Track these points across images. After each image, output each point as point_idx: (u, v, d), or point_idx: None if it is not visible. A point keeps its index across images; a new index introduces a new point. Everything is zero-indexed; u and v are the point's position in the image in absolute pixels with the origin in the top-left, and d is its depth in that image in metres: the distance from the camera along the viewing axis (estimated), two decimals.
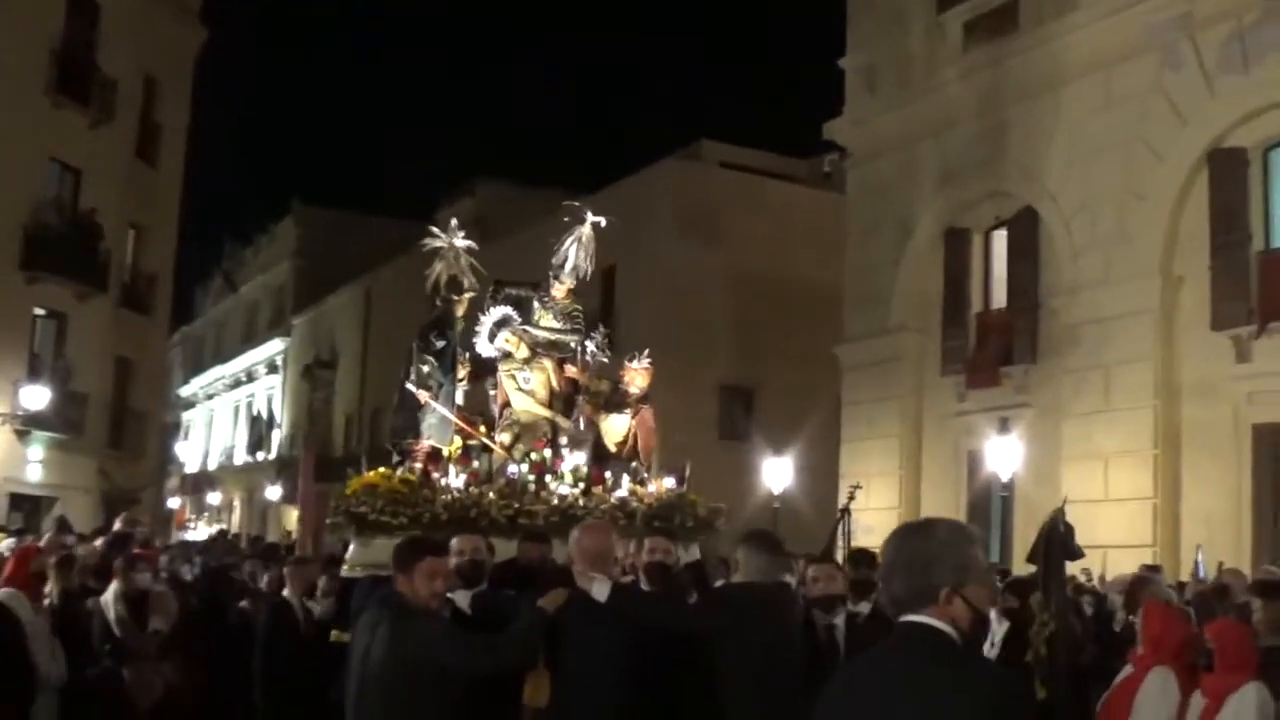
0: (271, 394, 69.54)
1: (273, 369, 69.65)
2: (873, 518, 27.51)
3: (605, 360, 15.08)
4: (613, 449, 14.45)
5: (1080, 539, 19.33)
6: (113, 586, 12.58)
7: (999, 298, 27.74)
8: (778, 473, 29.80)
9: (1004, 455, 24.76)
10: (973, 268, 28.28)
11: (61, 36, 35.28)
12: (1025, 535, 19.11)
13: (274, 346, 68.99)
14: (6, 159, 32.76)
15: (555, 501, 13.35)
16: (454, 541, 9.04)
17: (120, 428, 39.21)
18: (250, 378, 73.01)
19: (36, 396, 33.08)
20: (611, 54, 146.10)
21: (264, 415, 69.30)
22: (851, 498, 16.80)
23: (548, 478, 13.68)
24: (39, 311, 35.66)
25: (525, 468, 13.72)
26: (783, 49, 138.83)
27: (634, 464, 14.34)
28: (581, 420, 14.76)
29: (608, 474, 14.06)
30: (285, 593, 12.87)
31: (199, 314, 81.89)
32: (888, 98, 30.22)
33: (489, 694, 7.90)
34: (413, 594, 7.55)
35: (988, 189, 27.63)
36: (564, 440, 14.34)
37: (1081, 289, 24.75)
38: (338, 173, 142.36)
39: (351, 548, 13.27)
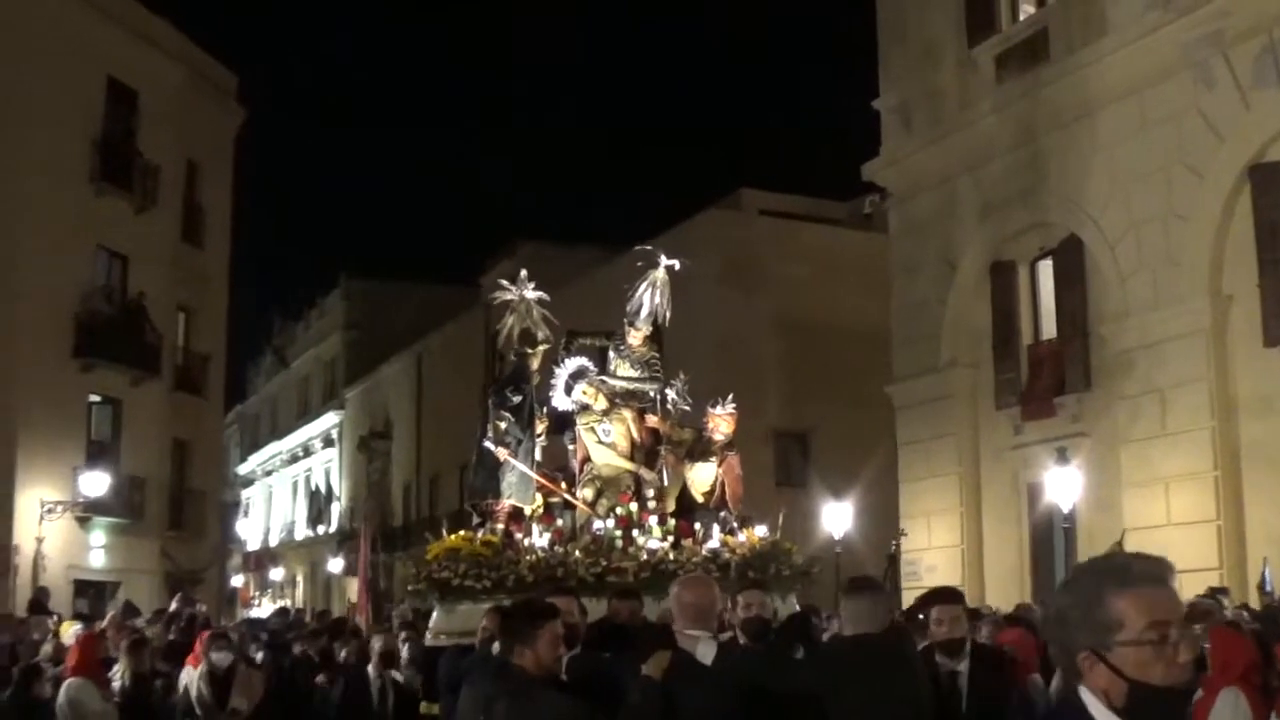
0: (329, 467, 69.76)
1: (329, 442, 69.89)
2: (935, 556, 27.42)
3: (687, 408, 14.76)
4: (700, 499, 14.17)
5: None
6: (199, 666, 12.55)
7: (1049, 328, 27.56)
8: (837, 517, 29.69)
9: (1064, 486, 24.58)
10: (1020, 299, 28.13)
11: (102, 124, 35.82)
12: None
13: (329, 420, 69.26)
14: (54, 248, 33.21)
15: (644, 557, 13.05)
16: None
17: (180, 509, 39.51)
18: (307, 452, 73.29)
19: (96, 483, 33.30)
20: (646, 107, 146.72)
21: (322, 489, 69.51)
22: (896, 544, 16.65)
23: (635, 532, 13.40)
24: (94, 398, 36.08)
25: (611, 523, 13.45)
26: (817, 93, 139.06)
27: (723, 513, 14.02)
28: (666, 471, 14.41)
29: (697, 525, 13.76)
30: (369, 667, 12.73)
31: (252, 391, 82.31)
32: (924, 135, 30.18)
33: None
34: (536, 665, 6.99)
35: (1030, 220, 27.51)
36: (649, 493, 14.03)
37: (1131, 314, 24.58)
38: (381, 242, 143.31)
39: (435, 615, 13.02)
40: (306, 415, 72.87)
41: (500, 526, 13.32)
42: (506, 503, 13.53)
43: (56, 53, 33.94)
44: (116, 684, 12.56)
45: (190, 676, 12.61)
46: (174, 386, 39.14)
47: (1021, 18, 28.07)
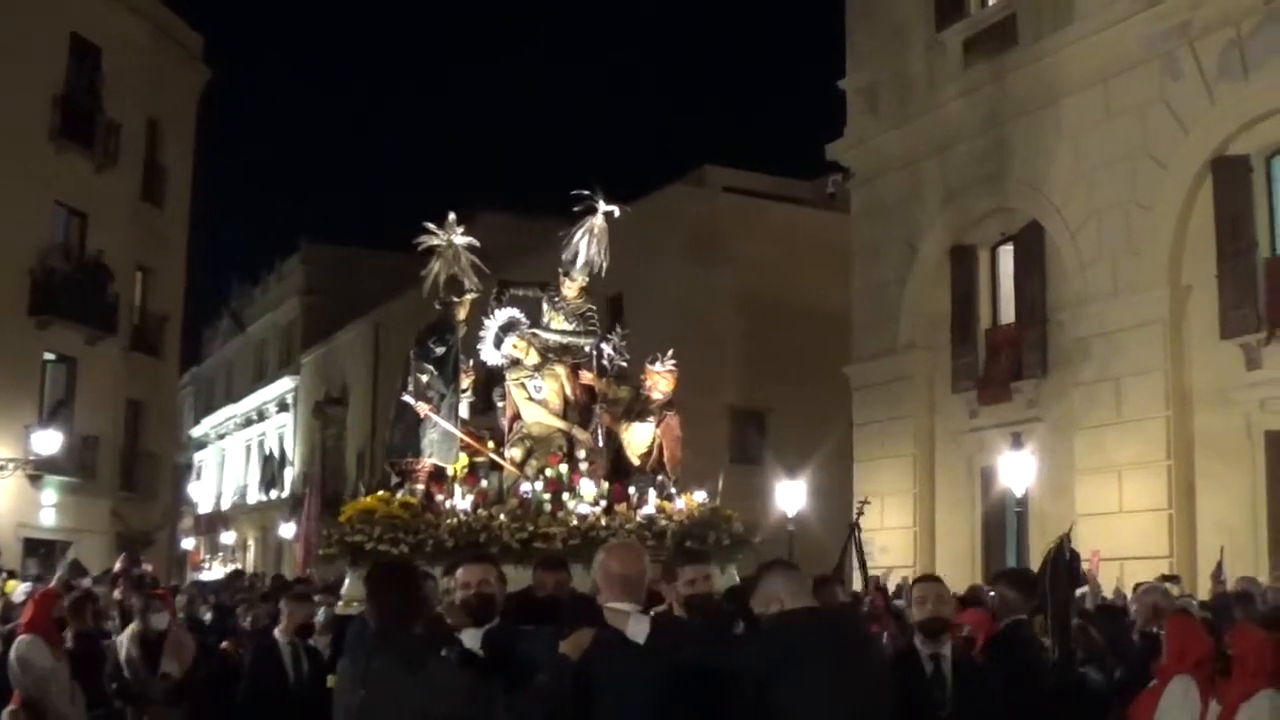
0: (283, 432, 69.47)
1: (283, 407, 69.58)
2: (887, 537, 27.52)
3: (624, 364, 14.03)
4: (635, 461, 13.44)
5: (1094, 552, 19.50)
6: (130, 627, 12.35)
7: (1007, 313, 27.67)
8: (791, 495, 29.73)
9: (1017, 470, 24.70)
10: (980, 284, 28.25)
11: (64, 81, 35.45)
12: (1040, 550, 19.05)
13: (284, 385, 68.92)
14: (12, 204, 32.86)
15: (574, 522, 12.23)
16: (459, 572, 7.85)
17: (132, 470, 39.24)
18: (261, 416, 72.96)
19: (48, 441, 33.05)
20: (611, 82, 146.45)
21: (276, 454, 69.23)
22: (860, 512, 16.30)
23: (565, 496, 12.58)
24: (49, 356, 35.73)
25: (540, 486, 12.65)
26: (783, 71, 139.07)
27: (659, 478, 13.29)
28: (600, 431, 13.64)
29: (631, 489, 13.00)
30: (276, 631, 11.46)
31: (208, 354, 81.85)
32: (889, 117, 30.22)
33: None
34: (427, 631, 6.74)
35: (992, 205, 27.59)
36: (581, 454, 13.22)
37: (1089, 302, 24.70)
38: (343, 209, 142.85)
39: (347, 581, 12.29)
40: (262, 379, 72.50)
41: (420, 487, 12.51)
42: (427, 462, 12.68)
43: (19, 7, 33.61)
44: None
45: (122, 639, 12.35)
46: (130, 346, 38.81)
47: (990, 2, 28.11)
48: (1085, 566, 17.65)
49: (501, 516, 12.19)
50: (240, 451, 77.02)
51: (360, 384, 59.60)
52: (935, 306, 28.90)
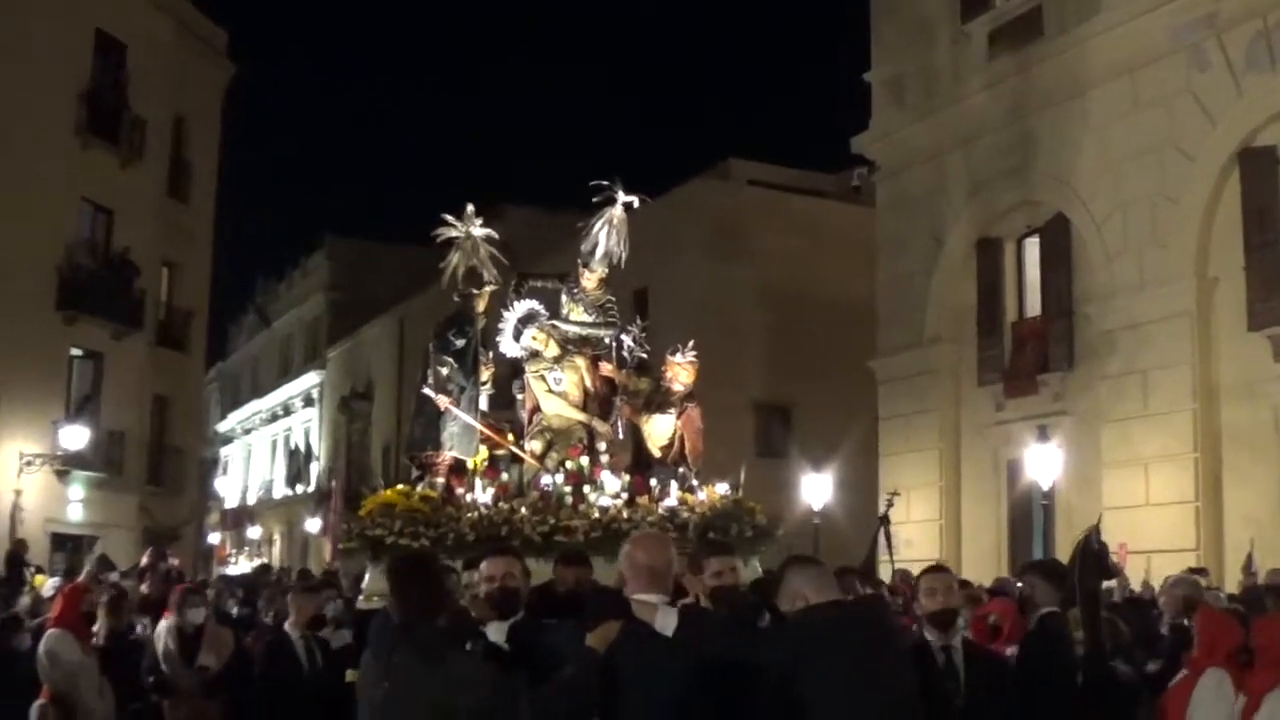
0: (309, 427, 69.64)
1: (309, 402, 69.74)
2: (913, 530, 27.44)
3: (644, 356, 13.91)
4: (657, 453, 13.29)
5: (1122, 544, 19.42)
6: (166, 620, 12.31)
7: (1033, 306, 27.58)
8: (817, 489, 29.72)
9: (1044, 464, 24.62)
10: (1006, 277, 28.14)
11: (89, 78, 35.54)
12: (1067, 543, 18.98)
13: (310, 380, 69.08)
14: (39, 201, 32.96)
15: (596, 515, 12.12)
16: (483, 565, 7.69)
17: (159, 465, 39.43)
18: (287, 411, 73.13)
19: (75, 436, 33.17)
20: (635, 76, 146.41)
21: (301, 448, 69.37)
22: (890, 504, 16.09)
23: (586, 489, 12.47)
24: (76, 352, 35.86)
25: (560, 478, 12.54)
26: (808, 64, 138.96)
27: (681, 470, 13.13)
28: (620, 423, 13.57)
29: (653, 482, 12.87)
30: (286, 625, 11.38)
31: (233, 350, 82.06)
32: (914, 109, 30.14)
33: None
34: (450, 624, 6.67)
35: (1018, 197, 27.51)
36: (602, 446, 13.14)
37: (1116, 294, 24.61)
38: (368, 204, 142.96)
39: (368, 575, 12.23)
40: (287, 374, 72.66)
41: (440, 480, 12.42)
42: (447, 455, 12.59)
43: (45, 6, 33.76)
44: (98, 640, 12.42)
45: (159, 630, 12.33)
46: (156, 342, 38.98)
47: None
48: (1113, 559, 17.63)
49: (523, 510, 12.13)
50: (266, 447, 77.21)
51: (385, 378, 59.69)
52: (961, 299, 28.82)
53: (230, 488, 79.14)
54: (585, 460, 12.83)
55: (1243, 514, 22.09)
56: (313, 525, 57.45)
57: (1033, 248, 27.64)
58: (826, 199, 40.97)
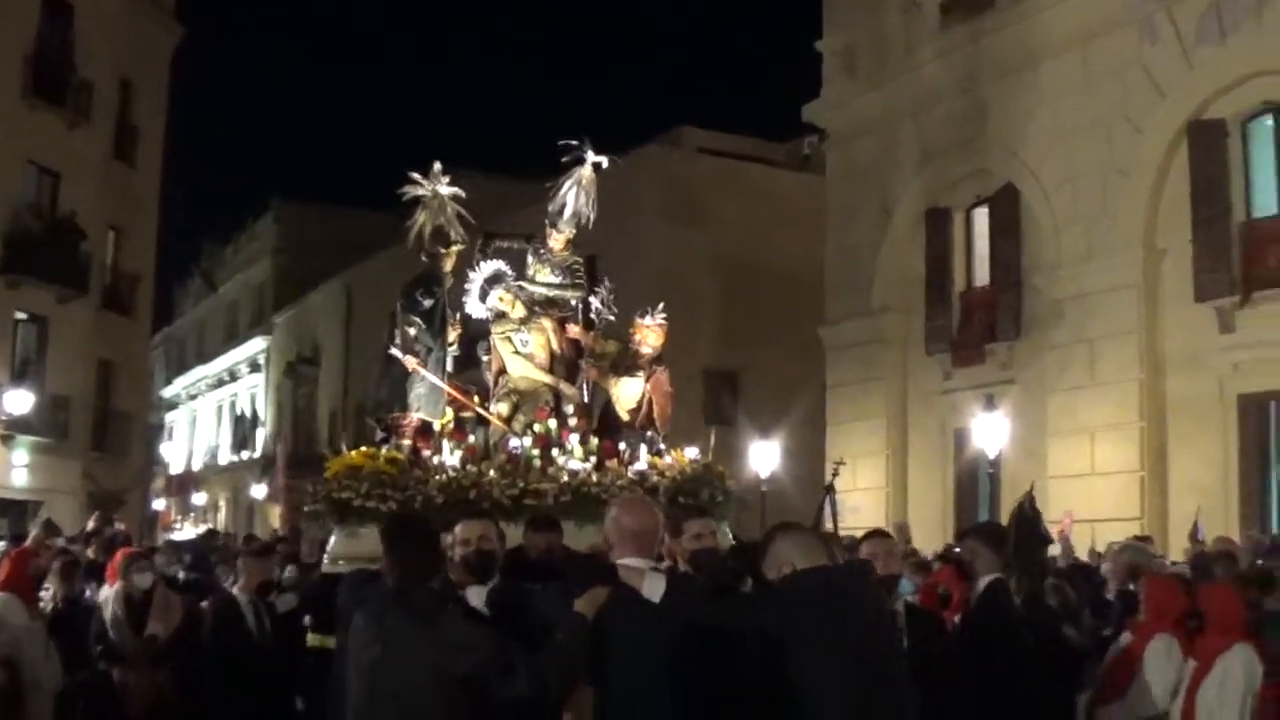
0: (255, 393, 69.31)
1: (255, 368, 69.39)
2: (859, 498, 27.55)
3: (612, 318, 13.57)
4: (625, 417, 13.04)
5: (1068, 513, 19.60)
6: (115, 586, 12.20)
7: (982, 275, 27.72)
8: (764, 456, 29.77)
9: (990, 432, 24.77)
10: (955, 246, 28.27)
11: (36, 39, 35.17)
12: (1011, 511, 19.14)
13: (256, 345, 68.71)
14: None
15: (565, 479, 11.93)
16: (458, 529, 7.63)
17: (104, 430, 39.11)
18: (233, 377, 72.75)
19: (20, 401, 32.93)
20: (587, 43, 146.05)
21: (247, 414, 69.07)
22: (835, 474, 16.13)
23: (554, 452, 12.27)
24: (20, 315, 35.57)
25: (529, 441, 12.30)
26: (759, 33, 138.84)
27: (649, 433, 12.93)
28: (587, 386, 13.37)
29: (622, 445, 12.65)
30: (235, 589, 11.38)
31: (179, 314, 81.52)
32: (866, 79, 30.18)
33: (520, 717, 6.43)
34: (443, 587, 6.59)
35: (968, 167, 27.62)
36: (569, 409, 12.94)
37: (1064, 265, 24.77)
38: (316, 168, 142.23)
39: (334, 539, 11.89)
40: (234, 340, 72.24)
41: (407, 443, 12.18)
42: (414, 416, 12.38)
43: None
44: (47, 604, 12.31)
45: (106, 596, 12.23)
46: (102, 306, 38.65)
47: None
48: (1058, 527, 17.77)
49: (491, 472, 11.94)
50: (212, 412, 76.83)
51: (333, 343, 59.45)
52: (910, 269, 28.93)
53: (175, 453, 78.67)
54: (553, 423, 12.67)
55: (1187, 483, 22.32)
56: (258, 491, 57.24)
57: (982, 218, 27.76)
58: (777, 167, 40.99)
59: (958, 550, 11.44)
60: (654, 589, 6.25)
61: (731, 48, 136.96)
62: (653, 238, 36.23)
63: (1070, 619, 10.92)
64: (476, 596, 7.26)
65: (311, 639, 10.08)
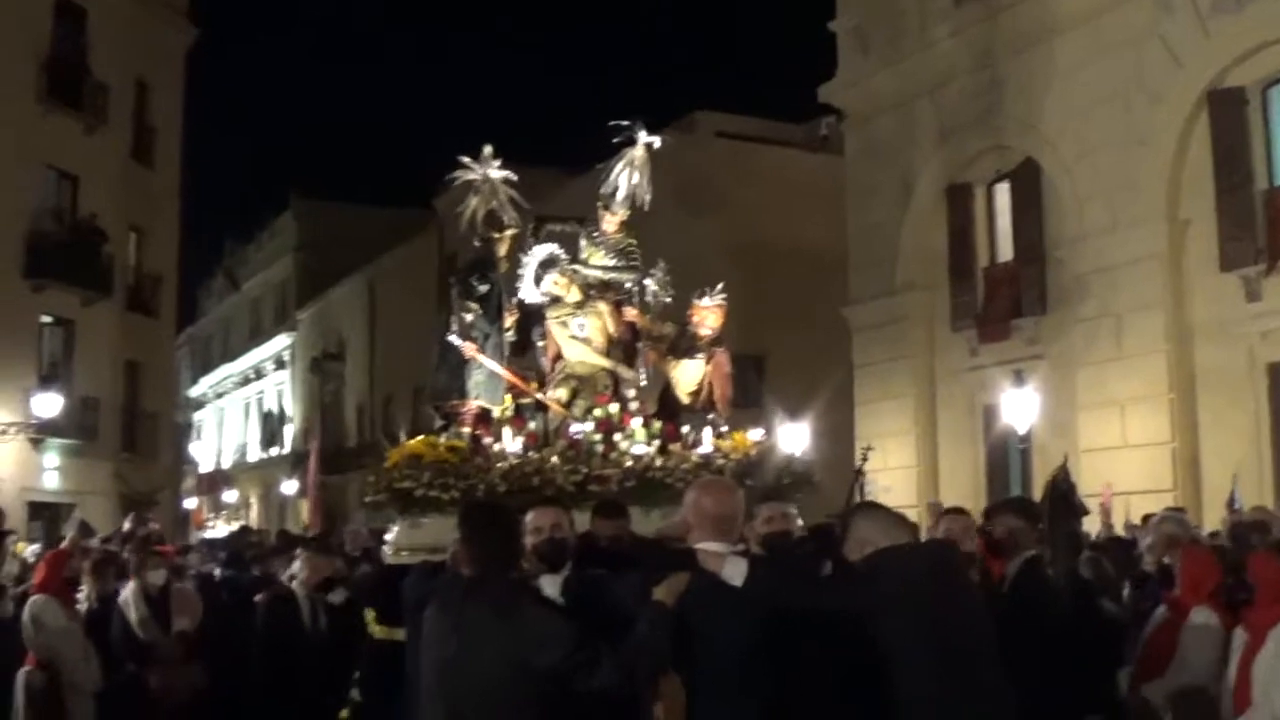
0: (281, 389, 69.49)
1: (281, 364, 69.57)
2: (890, 477, 27.52)
3: (668, 300, 13.39)
4: (685, 400, 12.82)
5: (1100, 486, 19.53)
6: (130, 585, 12.13)
7: (1005, 251, 27.64)
8: (793, 439, 29.70)
9: (1019, 408, 24.68)
10: (977, 222, 28.21)
11: (50, 43, 35.23)
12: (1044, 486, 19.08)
13: (281, 342, 68.89)
14: (3, 168, 32.76)
15: (629, 463, 11.70)
16: (529, 516, 7.32)
17: (133, 431, 39.25)
18: (259, 374, 72.94)
19: (48, 404, 33.04)
20: (600, 32, 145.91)
21: (275, 411, 69.25)
22: (864, 459, 16.02)
23: (616, 436, 12.03)
24: (45, 319, 35.73)
25: (590, 426, 12.09)
26: (772, 15, 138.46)
27: (711, 415, 12.71)
28: (646, 369, 13.10)
29: (685, 428, 12.42)
30: (294, 584, 11.33)
31: (203, 314, 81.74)
32: (881, 57, 30.08)
33: (603, 712, 6.32)
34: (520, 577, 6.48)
35: (987, 143, 27.54)
36: (630, 393, 12.70)
37: (1088, 237, 24.67)
38: (335, 165, 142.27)
39: (396, 529, 11.76)
40: (258, 337, 72.42)
41: (466, 430, 11.93)
42: (473, 404, 12.15)
43: None
44: (82, 605, 12.34)
45: (125, 597, 12.05)
46: (126, 307, 38.76)
47: None
48: (1098, 499, 17.72)
49: (554, 459, 11.71)
50: (239, 410, 77.05)
51: (357, 338, 59.62)
52: (932, 246, 28.88)
53: (204, 452, 78.92)
54: (614, 407, 12.43)
55: (1218, 454, 22.25)
56: (289, 487, 57.42)
57: (1003, 193, 27.69)
58: (795, 149, 40.96)
59: (988, 528, 11.39)
60: (735, 573, 6.12)
61: (745, 31, 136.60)
62: (670, 224, 35.93)
63: (1108, 593, 10.89)
64: (550, 586, 7.09)
65: (378, 631, 9.85)
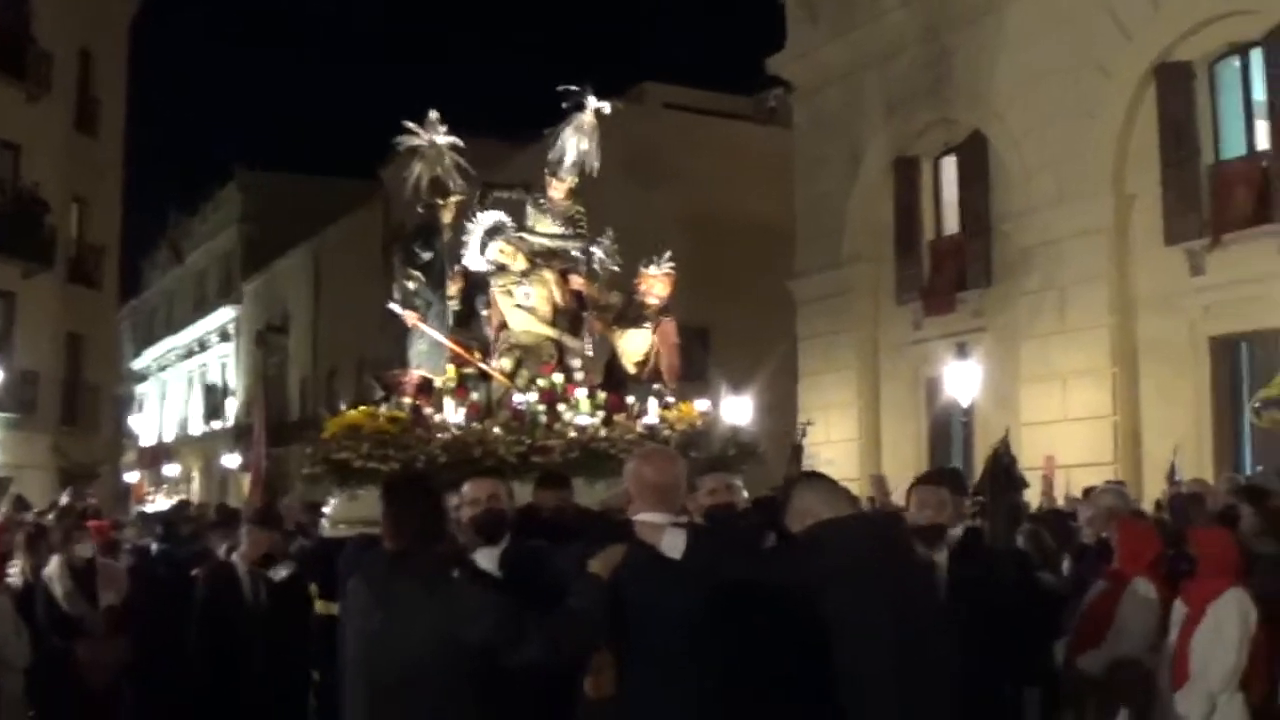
0: (225, 362, 69.09)
1: (225, 337, 69.16)
2: (833, 450, 27.54)
3: (616, 269, 13.33)
4: (631, 370, 12.75)
5: (1041, 459, 19.57)
6: (54, 560, 11.93)
7: (951, 224, 27.66)
8: (737, 412, 29.66)
9: (962, 381, 24.70)
10: (923, 195, 28.21)
11: None
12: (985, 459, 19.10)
13: (225, 314, 68.47)
14: None
15: (573, 434, 11.62)
16: (466, 487, 7.22)
17: (73, 404, 38.91)
18: (203, 347, 72.47)
19: None
20: (549, 1, 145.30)
21: (218, 384, 68.83)
22: (803, 434, 15.91)
23: (560, 407, 11.94)
24: None
25: (534, 397, 11.96)
26: None
27: (657, 386, 12.64)
28: (591, 339, 13.02)
29: (630, 399, 12.32)
30: (234, 557, 10.91)
31: (147, 286, 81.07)
32: (830, 28, 29.97)
33: (535, 686, 6.28)
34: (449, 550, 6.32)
35: (935, 116, 27.50)
36: (575, 363, 12.61)
37: (1034, 211, 24.67)
38: (279, 135, 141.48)
39: (333, 502, 11.63)
40: (202, 309, 71.96)
41: (408, 400, 11.78)
42: (415, 373, 12.00)
43: None
44: (15, 580, 12.13)
45: (49, 571, 11.72)
46: (67, 279, 38.40)
47: None
48: (1041, 471, 17.75)
49: (496, 430, 11.61)
50: (182, 383, 76.53)
51: (302, 311, 59.32)
52: (879, 219, 28.85)
53: (146, 425, 78.41)
54: (558, 377, 12.34)
55: (1160, 427, 22.28)
56: (231, 461, 57.07)
57: (950, 166, 27.69)
58: (743, 121, 40.93)
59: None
60: (674, 545, 5.94)
61: (693, 1, 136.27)
62: (618, 196, 35.92)
63: (1047, 565, 10.88)
64: (487, 559, 6.95)
65: (319, 606, 9.83)
